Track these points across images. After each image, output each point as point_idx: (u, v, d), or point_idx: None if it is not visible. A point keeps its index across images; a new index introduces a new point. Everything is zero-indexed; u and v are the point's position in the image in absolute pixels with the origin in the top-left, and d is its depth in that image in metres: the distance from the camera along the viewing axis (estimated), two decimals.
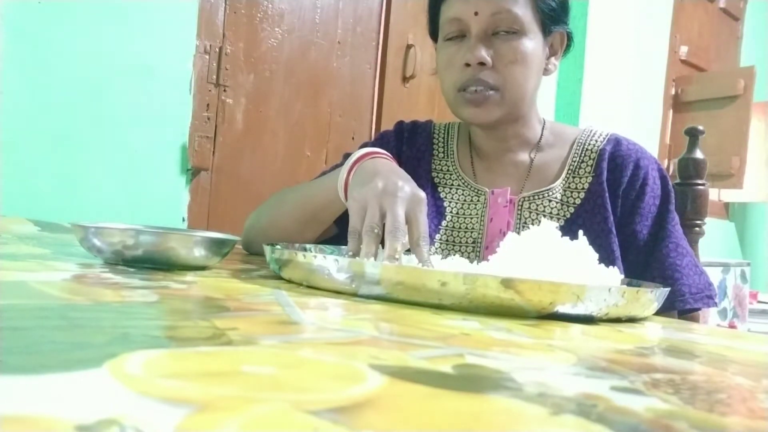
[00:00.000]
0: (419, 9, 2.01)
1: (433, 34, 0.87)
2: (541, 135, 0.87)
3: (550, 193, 0.83)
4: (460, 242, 0.83)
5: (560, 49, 0.85)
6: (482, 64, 0.77)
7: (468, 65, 0.78)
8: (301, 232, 0.80)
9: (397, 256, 0.56)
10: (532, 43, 0.79)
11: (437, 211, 0.86)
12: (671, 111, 3.29)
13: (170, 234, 0.56)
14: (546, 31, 0.81)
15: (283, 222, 0.82)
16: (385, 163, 0.68)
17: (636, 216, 0.81)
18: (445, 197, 0.87)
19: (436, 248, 0.83)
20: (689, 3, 3.30)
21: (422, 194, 0.62)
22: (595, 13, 2.58)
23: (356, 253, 0.59)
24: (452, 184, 0.87)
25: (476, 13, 0.77)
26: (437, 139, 0.92)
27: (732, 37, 3.75)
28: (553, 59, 0.84)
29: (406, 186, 0.61)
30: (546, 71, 0.84)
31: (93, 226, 0.54)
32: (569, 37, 0.86)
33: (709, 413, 0.24)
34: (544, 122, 0.89)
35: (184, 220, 1.58)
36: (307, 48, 1.79)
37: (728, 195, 3.55)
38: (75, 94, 1.38)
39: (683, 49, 3.30)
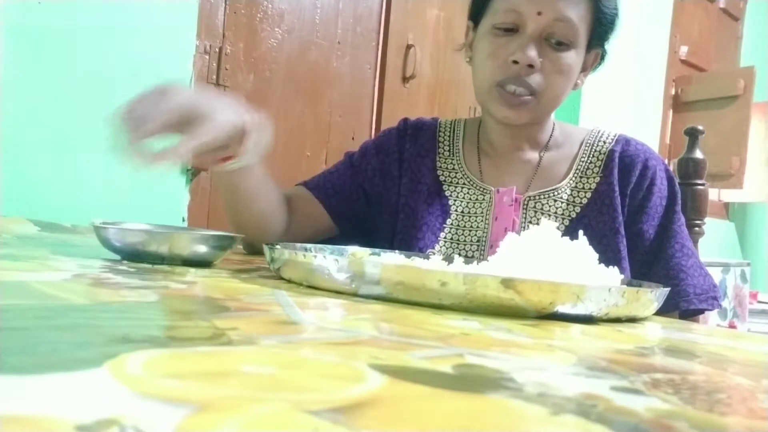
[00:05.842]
0: (419, 9, 2.01)
1: (474, 15, 0.84)
2: (551, 135, 0.88)
3: (556, 193, 0.83)
4: (465, 241, 0.83)
5: (591, 66, 0.85)
6: (531, 66, 0.76)
7: (516, 62, 0.76)
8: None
9: None
10: (577, 57, 0.79)
11: (442, 210, 0.85)
12: (671, 111, 3.29)
13: (179, 232, 0.62)
14: (589, 46, 0.81)
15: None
16: None
17: (642, 215, 0.81)
18: (450, 195, 0.86)
19: (441, 246, 0.83)
20: (689, 3, 3.30)
21: None
22: None
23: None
24: (457, 183, 0.87)
25: (539, 13, 0.75)
26: (443, 136, 0.92)
27: (732, 37, 3.75)
28: (582, 75, 0.84)
29: None
30: (575, 85, 0.83)
31: (115, 227, 0.60)
32: (602, 56, 0.85)
33: (709, 413, 0.24)
34: (554, 123, 0.89)
35: (184, 219, 1.58)
36: (307, 48, 1.79)
37: (728, 195, 3.56)
38: (75, 94, 1.38)
39: (683, 49, 3.30)
